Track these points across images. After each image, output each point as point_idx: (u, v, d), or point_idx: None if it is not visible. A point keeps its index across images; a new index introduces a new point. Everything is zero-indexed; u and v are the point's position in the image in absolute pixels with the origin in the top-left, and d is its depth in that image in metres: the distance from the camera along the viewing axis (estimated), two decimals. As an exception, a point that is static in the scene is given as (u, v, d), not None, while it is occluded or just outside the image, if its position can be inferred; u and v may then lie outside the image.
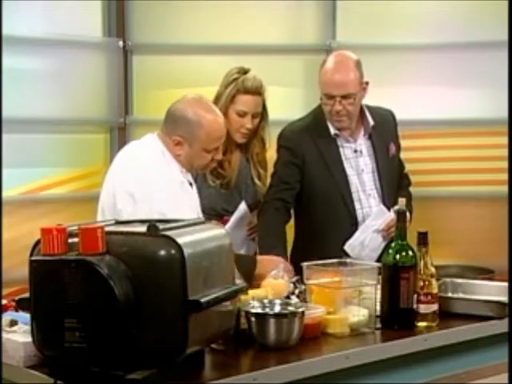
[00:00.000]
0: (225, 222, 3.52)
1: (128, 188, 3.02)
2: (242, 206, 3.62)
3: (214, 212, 3.59)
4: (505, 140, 4.17)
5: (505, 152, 4.28)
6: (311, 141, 3.59)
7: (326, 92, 3.50)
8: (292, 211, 3.67)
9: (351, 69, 3.49)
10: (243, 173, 3.72)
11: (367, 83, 3.54)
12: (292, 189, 3.58)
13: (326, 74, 3.51)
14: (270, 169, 3.74)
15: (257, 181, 3.72)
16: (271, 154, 3.75)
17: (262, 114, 3.68)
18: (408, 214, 3.41)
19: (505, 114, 4.23)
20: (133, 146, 3.29)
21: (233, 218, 3.60)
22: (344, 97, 3.47)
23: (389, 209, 3.55)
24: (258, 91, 3.61)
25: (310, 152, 3.58)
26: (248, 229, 3.67)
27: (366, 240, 3.54)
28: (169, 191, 3.03)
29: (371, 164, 3.64)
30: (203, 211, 3.54)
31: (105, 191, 3.15)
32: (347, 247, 3.53)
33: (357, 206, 3.58)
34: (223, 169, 3.64)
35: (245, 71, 3.64)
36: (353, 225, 3.57)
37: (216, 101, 3.61)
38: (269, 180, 3.70)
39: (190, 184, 3.22)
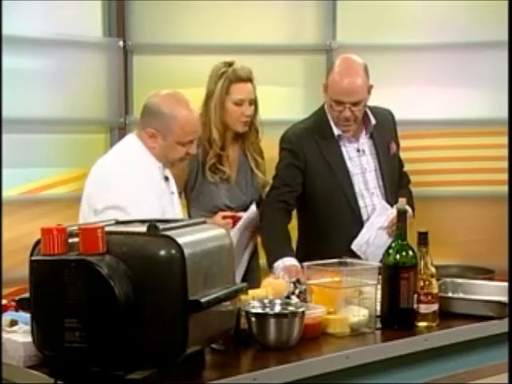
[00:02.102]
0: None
1: (103, 180, 3.08)
2: (253, 209, 3.64)
3: (216, 209, 3.60)
4: (505, 140, 4.17)
5: (505, 152, 4.28)
6: (313, 142, 3.60)
7: (336, 99, 3.50)
8: (295, 212, 3.69)
9: (360, 75, 3.49)
10: (243, 169, 3.73)
11: (371, 86, 3.54)
12: (294, 191, 3.59)
13: (336, 82, 3.49)
14: (270, 168, 3.74)
15: (256, 170, 3.72)
16: (273, 155, 3.75)
17: (255, 103, 3.69)
18: (410, 211, 3.44)
19: (505, 114, 4.23)
20: (114, 148, 3.35)
21: (242, 220, 3.61)
22: (354, 104, 3.48)
23: (392, 206, 3.55)
24: (249, 78, 3.64)
25: (312, 154, 3.59)
26: (252, 230, 3.69)
27: (372, 238, 3.54)
28: (131, 184, 3.03)
29: (373, 163, 3.65)
30: (206, 208, 3.56)
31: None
32: (354, 246, 3.54)
33: (361, 204, 3.60)
34: (221, 164, 3.65)
35: (230, 64, 3.65)
36: (358, 224, 3.57)
37: (208, 98, 3.64)
38: (268, 169, 3.74)
39: (167, 178, 3.23)
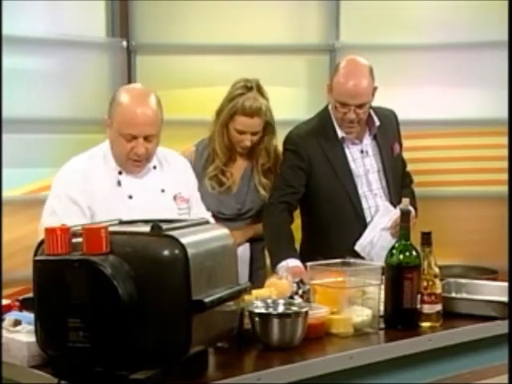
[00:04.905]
0: None
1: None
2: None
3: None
4: (505, 140, 4.17)
5: (505, 152, 4.28)
6: (317, 144, 3.60)
7: (341, 100, 3.50)
8: (298, 213, 3.69)
9: (366, 77, 3.49)
10: (245, 178, 3.73)
11: (376, 88, 3.54)
12: (297, 193, 3.59)
13: (341, 84, 3.49)
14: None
15: (261, 190, 3.71)
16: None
17: (267, 130, 3.67)
18: (413, 211, 3.43)
19: (505, 114, 4.23)
20: None
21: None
22: (359, 106, 3.48)
23: (395, 207, 3.55)
24: (255, 113, 3.59)
25: (316, 155, 3.59)
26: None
27: (375, 238, 3.54)
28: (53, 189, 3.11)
29: (376, 164, 3.65)
30: None
31: None
32: (358, 247, 3.55)
33: (364, 205, 3.60)
34: (224, 176, 3.66)
35: (249, 88, 3.62)
36: (361, 225, 3.58)
37: (219, 112, 3.65)
38: None
39: (119, 183, 3.10)
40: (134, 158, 3.03)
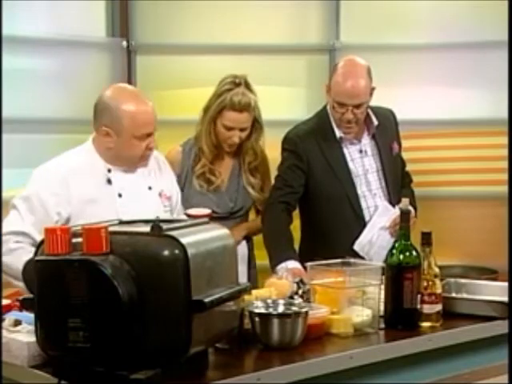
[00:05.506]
0: None
1: None
2: None
3: None
4: (505, 140, 4.17)
5: (505, 152, 4.28)
6: (316, 144, 3.60)
7: (339, 101, 3.50)
8: (297, 213, 3.69)
9: (364, 77, 3.49)
10: (234, 177, 3.73)
11: (374, 88, 3.54)
12: (296, 193, 3.59)
13: (339, 84, 3.49)
14: (272, 169, 3.74)
15: (250, 189, 3.71)
16: (275, 156, 3.75)
17: (255, 127, 3.65)
18: (413, 211, 3.43)
19: (505, 114, 4.23)
20: None
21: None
22: (356, 106, 3.48)
23: (394, 207, 3.55)
24: (244, 108, 3.57)
25: (314, 155, 3.59)
26: None
27: (374, 238, 3.55)
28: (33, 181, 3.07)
29: (375, 163, 3.66)
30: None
31: None
32: (356, 246, 3.55)
33: (363, 205, 3.60)
34: (213, 175, 3.65)
35: (237, 83, 3.60)
36: (360, 225, 3.58)
37: (207, 108, 3.63)
38: (264, 187, 3.73)
39: (109, 181, 3.09)
40: (147, 154, 3.10)
